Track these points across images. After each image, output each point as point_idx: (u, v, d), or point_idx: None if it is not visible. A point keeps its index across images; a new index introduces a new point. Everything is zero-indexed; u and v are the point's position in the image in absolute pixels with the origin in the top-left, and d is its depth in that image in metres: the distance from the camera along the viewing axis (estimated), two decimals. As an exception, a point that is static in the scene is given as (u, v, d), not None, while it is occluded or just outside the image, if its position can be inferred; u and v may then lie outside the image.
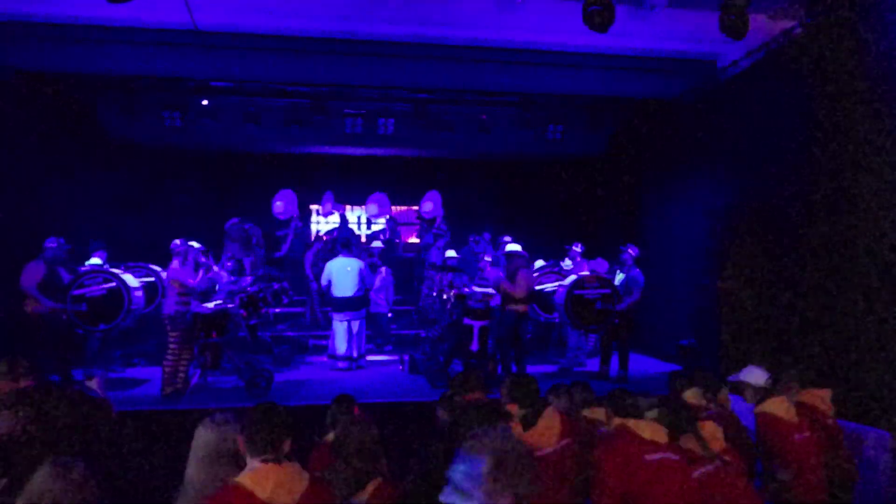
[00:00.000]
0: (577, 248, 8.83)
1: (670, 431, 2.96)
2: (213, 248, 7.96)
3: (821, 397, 4.14)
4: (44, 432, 2.93)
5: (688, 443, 3.04)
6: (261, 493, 2.11)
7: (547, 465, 3.06)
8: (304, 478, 2.25)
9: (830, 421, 4.06)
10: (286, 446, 2.30)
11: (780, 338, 6.50)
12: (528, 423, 3.21)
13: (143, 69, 7.64)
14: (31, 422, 2.81)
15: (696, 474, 2.91)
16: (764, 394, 3.89)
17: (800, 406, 3.85)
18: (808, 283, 6.15)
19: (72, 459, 2.23)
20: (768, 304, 6.76)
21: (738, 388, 4.10)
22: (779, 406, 3.71)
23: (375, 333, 9.28)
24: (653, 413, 3.03)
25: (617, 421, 3.02)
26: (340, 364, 7.94)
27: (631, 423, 2.94)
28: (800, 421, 3.68)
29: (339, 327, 7.98)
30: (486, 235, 10.04)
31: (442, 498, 1.80)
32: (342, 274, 7.98)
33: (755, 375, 4.05)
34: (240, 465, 2.34)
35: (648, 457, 2.79)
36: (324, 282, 8.13)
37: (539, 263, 8.88)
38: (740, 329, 7.19)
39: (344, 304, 7.96)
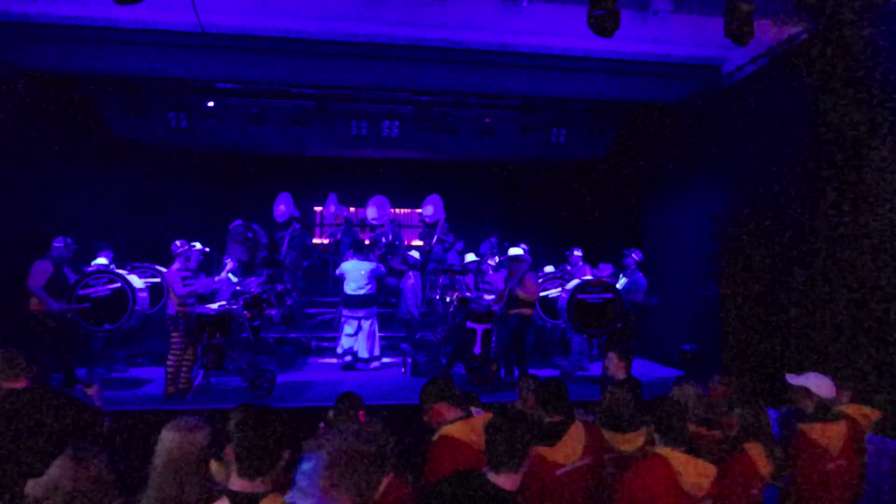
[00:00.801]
0: (578, 253, 8.84)
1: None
2: (218, 250, 7.99)
3: (868, 417, 3.81)
4: (27, 437, 2.93)
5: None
6: None
7: (561, 485, 2.87)
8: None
9: (863, 444, 3.77)
10: (284, 458, 2.05)
11: (781, 343, 6.49)
12: (552, 435, 3.00)
13: (149, 70, 7.66)
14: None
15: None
16: (823, 410, 3.51)
17: (846, 418, 3.57)
18: (809, 288, 6.14)
19: (91, 448, 2.18)
20: (770, 310, 6.75)
21: (795, 393, 3.66)
22: (829, 433, 3.42)
23: (408, 336, 9.31)
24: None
25: (661, 450, 2.72)
26: (347, 359, 8.03)
27: (674, 454, 2.66)
28: (839, 448, 3.43)
29: (349, 325, 8.08)
30: (493, 240, 10.06)
31: (286, 498, 1.75)
32: (355, 274, 8.10)
33: (821, 386, 3.55)
34: (207, 475, 2.16)
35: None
36: (344, 284, 8.18)
37: (549, 269, 8.89)
38: (742, 334, 7.17)
39: (354, 301, 8.03)
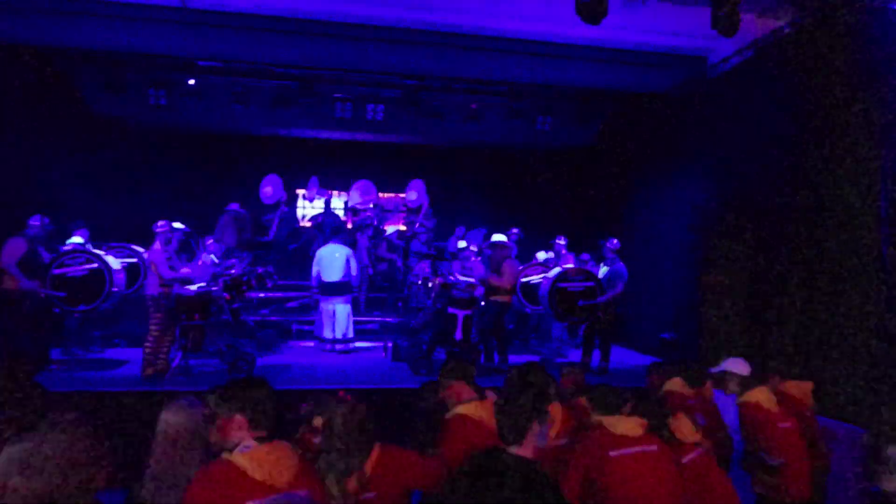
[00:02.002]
0: (562, 241, 8.87)
1: (648, 424, 2.99)
2: (197, 230, 7.87)
3: (803, 389, 4.20)
4: None
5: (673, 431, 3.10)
6: (254, 473, 2.07)
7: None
8: (294, 456, 2.22)
9: (809, 413, 4.12)
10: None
11: (760, 333, 6.60)
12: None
13: (128, 45, 7.48)
14: None
15: (684, 460, 3.01)
16: (746, 384, 3.93)
17: (781, 396, 3.91)
18: (788, 279, 6.24)
19: (79, 416, 2.15)
20: (748, 300, 6.85)
21: (720, 380, 4.13)
22: (762, 396, 3.76)
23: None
24: (626, 408, 3.06)
25: (595, 417, 3.03)
26: (326, 346, 8.00)
27: (605, 419, 2.95)
28: (782, 410, 3.75)
29: (325, 311, 8.02)
30: (482, 230, 10.03)
31: None
32: (330, 259, 8.04)
33: (737, 366, 4.08)
34: (207, 450, 2.29)
35: (614, 452, 2.81)
36: (314, 270, 8.14)
37: (542, 256, 8.90)
38: (721, 323, 7.28)
39: (330, 289, 8.00)
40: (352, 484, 2.45)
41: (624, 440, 2.86)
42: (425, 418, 3.56)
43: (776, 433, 3.64)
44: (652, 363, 4.88)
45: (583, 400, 3.33)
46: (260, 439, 2.19)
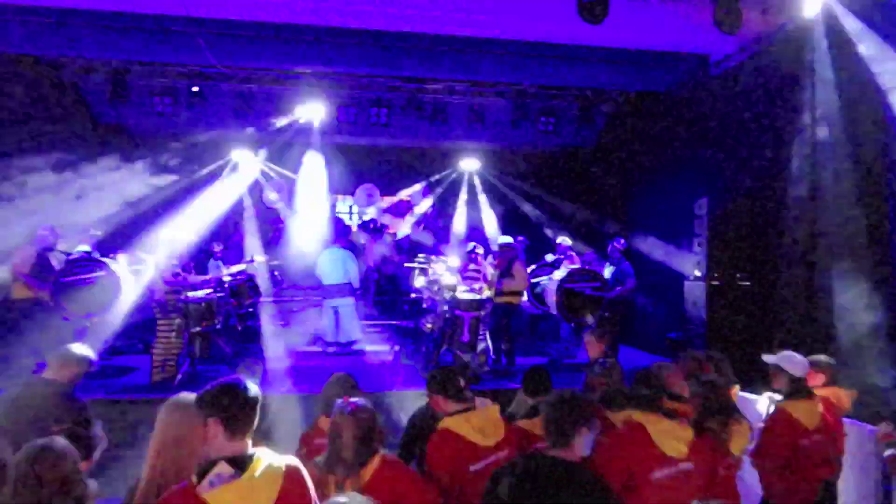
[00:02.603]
0: (568, 242, 8.86)
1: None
2: (205, 237, 7.91)
3: (844, 398, 3.93)
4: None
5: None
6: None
7: None
8: (272, 490, 2.13)
9: (840, 426, 3.89)
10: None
11: (766, 330, 6.57)
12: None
13: (133, 54, 7.55)
14: None
15: (721, 472, 2.98)
16: (794, 388, 3.61)
17: (824, 406, 3.65)
18: (793, 275, 6.22)
19: (51, 439, 2.25)
20: (756, 298, 6.83)
21: (770, 372, 3.77)
22: (804, 409, 3.54)
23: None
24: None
25: (637, 415, 2.83)
26: (329, 349, 8.00)
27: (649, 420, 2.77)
28: (814, 425, 3.53)
29: (328, 313, 8.06)
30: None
31: None
32: (330, 262, 8.07)
33: (795, 364, 3.65)
34: (201, 450, 2.26)
35: (658, 474, 2.66)
36: (318, 273, 8.18)
37: (550, 257, 8.90)
38: (727, 322, 7.25)
39: (331, 291, 8.04)
40: (347, 490, 2.44)
41: (667, 460, 2.67)
42: (414, 426, 3.56)
43: (799, 448, 3.48)
44: (686, 351, 4.77)
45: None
46: (235, 461, 2.09)
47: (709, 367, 3.76)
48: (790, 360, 3.66)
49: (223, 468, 2.07)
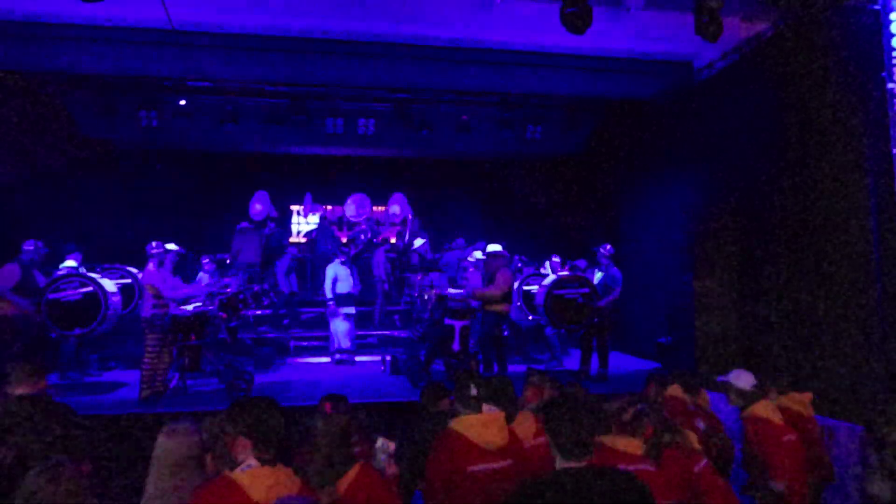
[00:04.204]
0: (556, 260, 8.89)
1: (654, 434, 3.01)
2: (192, 250, 7.87)
3: (802, 401, 4.16)
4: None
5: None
6: (255, 494, 2.07)
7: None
8: (295, 482, 2.22)
9: (811, 425, 4.09)
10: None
11: (753, 334, 6.63)
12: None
13: (118, 68, 7.52)
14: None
15: (696, 469, 3.02)
16: (749, 398, 3.88)
17: (783, 410, 3.87)
18: (778, 279, 6.28)
19: (61, 460, 2.24)
20: (741, 301, 6.89)
21: (724, 390, 4.07)
22: (766, 409, 3.74)
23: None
24: (627, 415, 3.05)
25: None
26: (345, 357, 8.47)
27: (605, 438, 2.85)
28: (785, 424, 3.71)
29: (343, 323, 8.46)
30: (483, 243, 10.05)
31: None
32: (343, 273, 8.55)
33: (742, 379, 3.99)
34: (203, 474, 2.31)
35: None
36: (329, 282, 8.48)
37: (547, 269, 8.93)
38: (715, 326, 7.30)
39: (346, 300, 8.46)
40: (323, 498, 2.45)
41: (625, 457, 2.79)
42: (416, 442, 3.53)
43: (780, 447, 3.59)
44: (650, 373, 4.90)
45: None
46: (263, 460, 2.17)
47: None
48: (738, 376, 3.99)
49: (252, 461, 2.16)
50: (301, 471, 2.56)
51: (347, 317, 8.52)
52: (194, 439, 2.39)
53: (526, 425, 3.34)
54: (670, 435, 3.17)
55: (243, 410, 2.24)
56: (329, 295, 8.48)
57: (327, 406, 3.29)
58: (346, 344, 8.49)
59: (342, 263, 8.59)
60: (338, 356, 8.50)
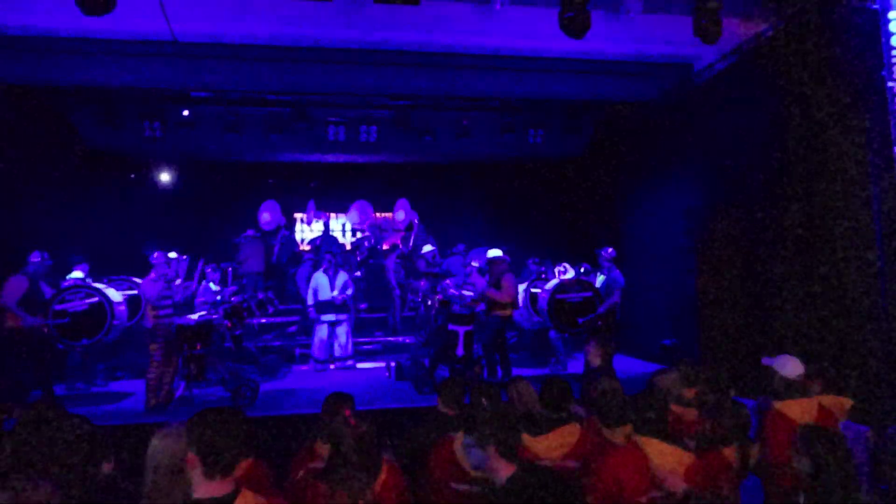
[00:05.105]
0: (562, 269, 8.88)
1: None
2: (198, 259, 7.89)
3: (841, 406, 3.91)
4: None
5: None
6: None
7: None
8: None
9: (836, 428, 3.80)
10: (243, 468, 2.02)
11: (757, 334, 6.61)
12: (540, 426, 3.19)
13: (121, 80, 7.58)
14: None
15: None
16: (790, 389, 3.65)
17: (819, 410, 3.65)
18: (784, 280, 6.27)
19: (37, 479, 2.18)
20: (746, 302, 6.87)
21: (766, 373, 3.80)
22: (798, 410, 3.54)
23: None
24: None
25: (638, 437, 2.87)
26: (328, 366, 8.33)
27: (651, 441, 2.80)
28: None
29: (321, 330, 8.37)
30: (485, 248, 10.07)
31: None
32: (324, 281, 8.41)
33: (789, 366, 3.71)
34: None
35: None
36: (310, 290, 8.43)
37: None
38: (718, 326, 7.29)
39: (325, 307, 8.30)
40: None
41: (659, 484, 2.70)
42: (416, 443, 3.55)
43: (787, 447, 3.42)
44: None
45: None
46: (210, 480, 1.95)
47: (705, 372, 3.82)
48: (784, 362, 3.74)
49: (200, 479, 1.96)
50: (312, 478, 2.58)
51: (330, 325, 8.42)
52: (186, 442, 2.30)
53: None
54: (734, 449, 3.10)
55: (196, 424, 2.03)
56: (310, 301, 8.46)
57: (347, 413, 3.26)
58: (338, 352, 8.42)
59: (324, 271, 8.53)
60: (317, 366, 8.41)
